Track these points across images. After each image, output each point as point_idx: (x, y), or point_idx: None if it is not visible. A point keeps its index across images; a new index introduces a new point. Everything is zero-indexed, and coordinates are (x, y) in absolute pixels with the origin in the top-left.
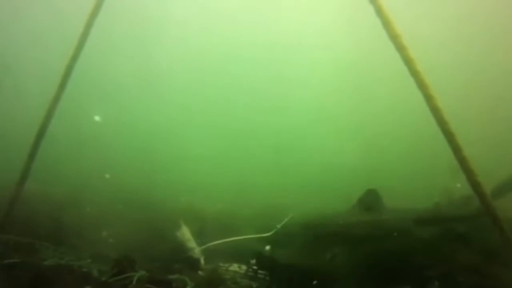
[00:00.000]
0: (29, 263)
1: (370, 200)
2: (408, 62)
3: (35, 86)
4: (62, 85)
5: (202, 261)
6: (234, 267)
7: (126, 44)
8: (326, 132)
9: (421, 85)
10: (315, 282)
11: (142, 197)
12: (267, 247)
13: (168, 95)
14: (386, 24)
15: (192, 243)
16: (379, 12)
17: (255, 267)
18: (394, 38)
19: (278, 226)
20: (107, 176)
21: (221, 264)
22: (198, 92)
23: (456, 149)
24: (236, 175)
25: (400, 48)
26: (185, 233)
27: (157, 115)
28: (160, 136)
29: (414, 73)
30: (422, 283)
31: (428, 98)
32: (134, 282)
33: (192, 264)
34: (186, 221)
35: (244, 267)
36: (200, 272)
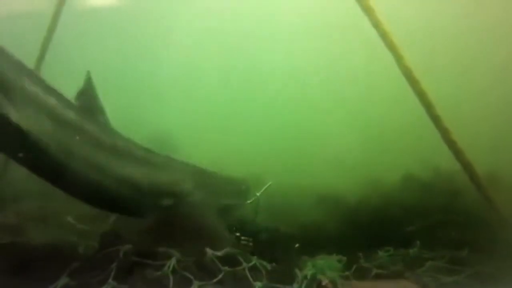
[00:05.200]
0: (17, 244)
1: None
2: (376, 24)
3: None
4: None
5: None
6: None
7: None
8: (303, 97)
9: (391, 46)
10: (297, 245)
11: None
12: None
13: (152, 62)
14: None
15: None
16: None
17: (237, 234)
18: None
19: (258, 194)
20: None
21: None
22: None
23: (429, 108)
24: (216, 141)
25: (367, 10)
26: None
27: (144, 81)
28: (147, 102)
29: (383, 34)
30: (403, 243)
31: (398, 59)
32: (120, 255)
33: None
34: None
35: None
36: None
